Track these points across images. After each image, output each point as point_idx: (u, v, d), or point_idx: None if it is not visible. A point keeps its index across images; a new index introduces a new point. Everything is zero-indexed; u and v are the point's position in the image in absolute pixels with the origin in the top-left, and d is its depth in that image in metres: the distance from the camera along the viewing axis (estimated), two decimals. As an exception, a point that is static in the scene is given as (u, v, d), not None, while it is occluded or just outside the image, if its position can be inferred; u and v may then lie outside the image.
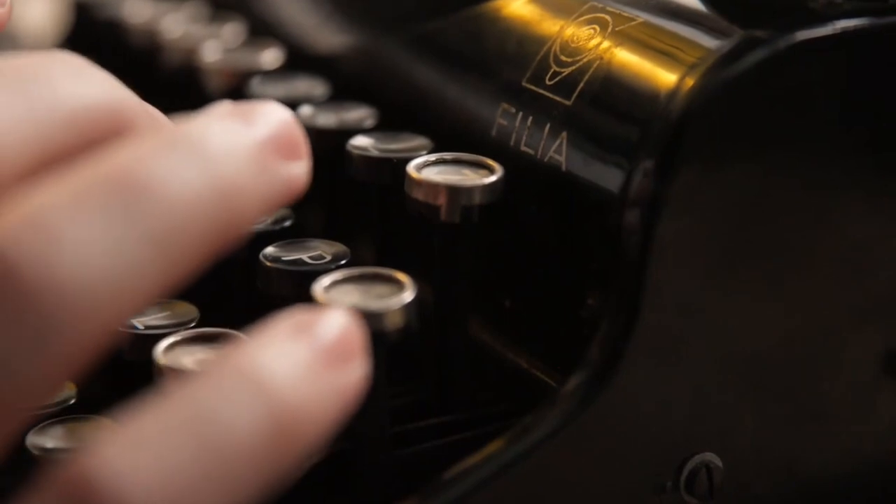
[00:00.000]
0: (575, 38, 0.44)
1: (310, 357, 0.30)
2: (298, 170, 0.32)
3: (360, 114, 0.51)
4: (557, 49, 0.44)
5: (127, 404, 0.28)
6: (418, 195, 0.42)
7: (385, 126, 0.49)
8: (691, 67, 0.40)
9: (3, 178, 0.29)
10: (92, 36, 0.71)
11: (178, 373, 0.37)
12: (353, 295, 0.37)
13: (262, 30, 0.61)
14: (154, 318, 0.43)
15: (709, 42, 0.40)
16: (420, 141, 0.47)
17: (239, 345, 0.29)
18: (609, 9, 0.44)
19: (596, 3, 0.45)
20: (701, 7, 0.43)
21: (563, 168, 0.42)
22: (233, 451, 0.27)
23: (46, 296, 0.26)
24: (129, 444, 0.27)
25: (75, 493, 0.26)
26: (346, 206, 0.52)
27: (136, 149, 0.29)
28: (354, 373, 0.31)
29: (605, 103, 0.42)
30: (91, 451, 0.27)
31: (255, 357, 0.29)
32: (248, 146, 0.31)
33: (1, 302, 0.26)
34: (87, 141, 0.31)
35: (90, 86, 0.32)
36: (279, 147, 0.32)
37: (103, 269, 0.27)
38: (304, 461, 0.29)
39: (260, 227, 0.46)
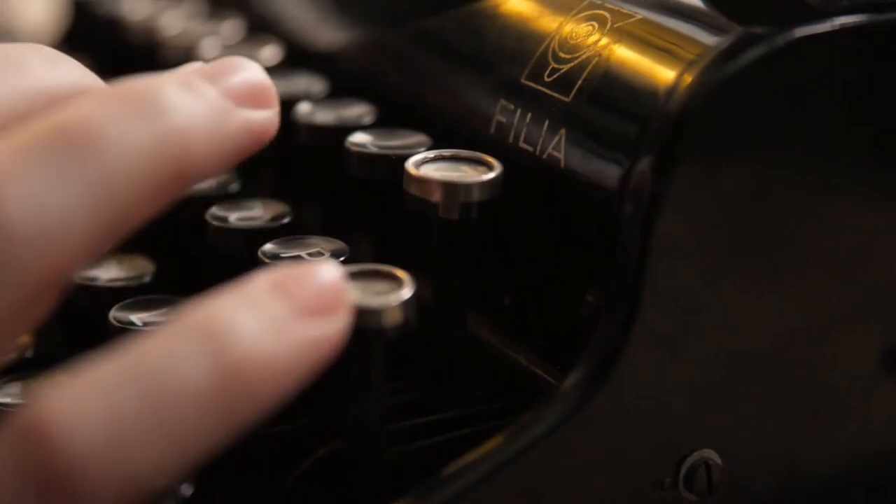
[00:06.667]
0: (574, 34, 0.44)
1: (280, 312, 0.30)
2: (263, 117, 0.34)
3: (358, 110, 0.51)
4: (556, 46, 0.44)
5: (83, 358, 0.29)
6: (417, 192, 0.42)
7: (384, 123, 0.49)
8: (690, 64, 0.40)
9: None
10: (91, 33, 0.71)
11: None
12: (352, 292, 0.37)
13: (260, 26, 0.61)
14: (152, 315, 0.43)
15: (707, 39, 0.40)
16: (419, 137, 0.47)
17: (208, 298, 0.30)
18: (608, 5, 0.44)
19: (595, 0, 0.45)
20: (699, 3, 0.43)
21: (562, 165, 0.42)
22: (178, 401, 0.28)
23: None
24: (79, 391, 0.28)
25: (23, 437, 0.27)
26: (344, 202, 0.52)
27: (83, 103, 0.31)
28: (333, 325, 0.31)
29: (604, 100, 0.42)
30: (43, 397, 0.28)
31: (217, 310, 0.30)
32: (206, 97, 0.32)
33: None
34: None
35: (58, 70, 0.34)
36: (241, 95, 0.33)
37: (48, 212, 0.29)
38: (263, 414, 0.30)
39: (259, 224, 0.46)
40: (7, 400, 0.40)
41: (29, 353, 0.43)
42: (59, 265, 0.29)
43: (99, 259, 0.45)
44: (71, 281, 0.31)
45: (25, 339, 0.43)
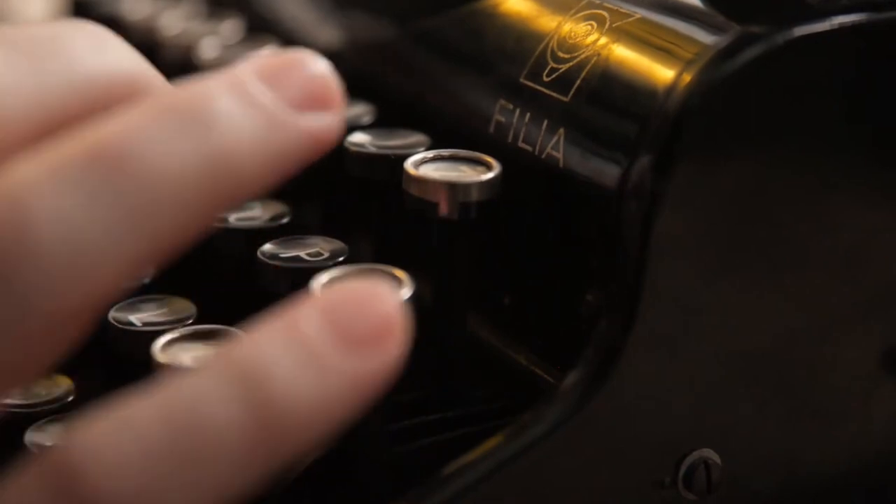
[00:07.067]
0: (572, 34, 0.44)
1: (327, 348, 0.28)
2: (326, 122, 0.30)
3: (357, 110, 0.51)
4: (555, 45, 0.44)
5: (118, 394, 0.28)
6: (416, 192, 0.42)
7: (383, 123, 0.49)
8: (688, 63, 0.40)
9: (5, 143, 0.29)
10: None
11: (175, 370, 0.38)
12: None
13: (260, 26, 0.61)
14: (152, 315, 0.43)
15: (706, 38, 0.40)
16: (418, 137, 0.47)
17: (247, 333, 0.28)
18: (606, 5, 0.44)
19: (593, 0, 0.45)
20: (698, 3, 0.43)
21: (561, 164, 0.42)
22: (211, 447, 0.27)
23: (21, 268, 0.27)
24: (113, 430, 0.27)
25: (56, 474, 0.26)
26: (343, 202, 0.52)
27: (124, 119, 0.28)
28: (385, 357, 0.28)
29: (603, 100, 0.41)
30: (74, 435, 0.27)
31: (256, 349, 0.28)
32: (263, 107, 0.29)
33: None
34: (98, 109, 0.30)
35: (107, 55, 0.32)
36: (304, 99, 0.30)
37: (79, 237, 0.27)
38: (300, 458, 0.29)
39: (258, 224, 0.46)
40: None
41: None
42: (90, 291, 0.27)
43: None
44: (109, 305, 0.29)
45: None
